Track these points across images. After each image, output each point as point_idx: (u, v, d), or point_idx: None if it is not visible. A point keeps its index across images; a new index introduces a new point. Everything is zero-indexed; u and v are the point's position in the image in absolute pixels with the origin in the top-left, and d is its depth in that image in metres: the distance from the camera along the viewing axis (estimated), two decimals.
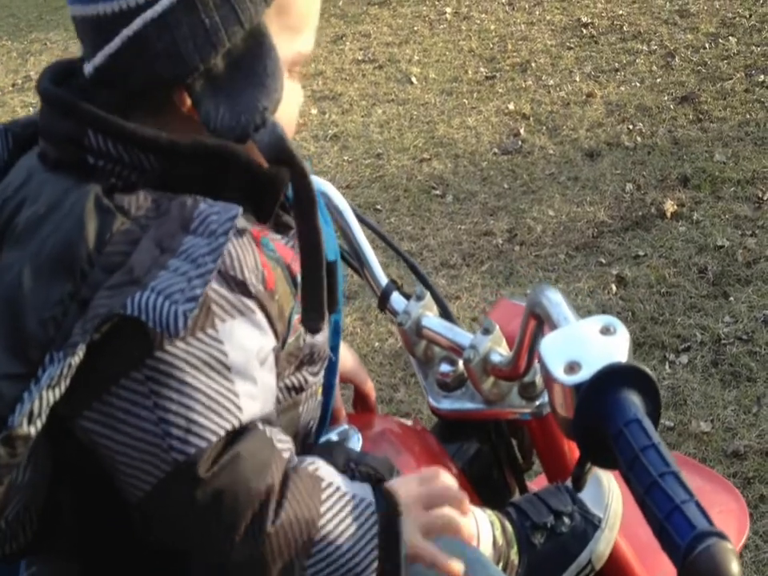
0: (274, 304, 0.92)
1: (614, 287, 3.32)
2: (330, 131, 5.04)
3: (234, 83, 0.88)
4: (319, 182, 1.37)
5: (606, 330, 0.94)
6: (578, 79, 5.05)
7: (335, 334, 1.14)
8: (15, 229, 0.85)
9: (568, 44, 5.51)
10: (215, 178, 0.88)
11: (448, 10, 6.43)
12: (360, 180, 4.48)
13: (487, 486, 1.33)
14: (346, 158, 4.73)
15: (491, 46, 5.72)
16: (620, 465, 0.85)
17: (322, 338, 1.06)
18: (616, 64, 5.15)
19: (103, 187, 0.84)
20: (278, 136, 0.89)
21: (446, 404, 1.33)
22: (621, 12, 5.78)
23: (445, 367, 1.34)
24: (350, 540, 0.91)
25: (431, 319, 1.33)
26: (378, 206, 4.20)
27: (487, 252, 3.70)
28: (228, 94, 0.88)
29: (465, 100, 5.08)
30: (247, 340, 0.87)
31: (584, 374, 0.89)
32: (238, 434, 0.86)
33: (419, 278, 1.38)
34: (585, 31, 5.62)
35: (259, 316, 0.89)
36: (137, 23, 0.86)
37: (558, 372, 0.91)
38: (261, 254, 0.91)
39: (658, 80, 4.87)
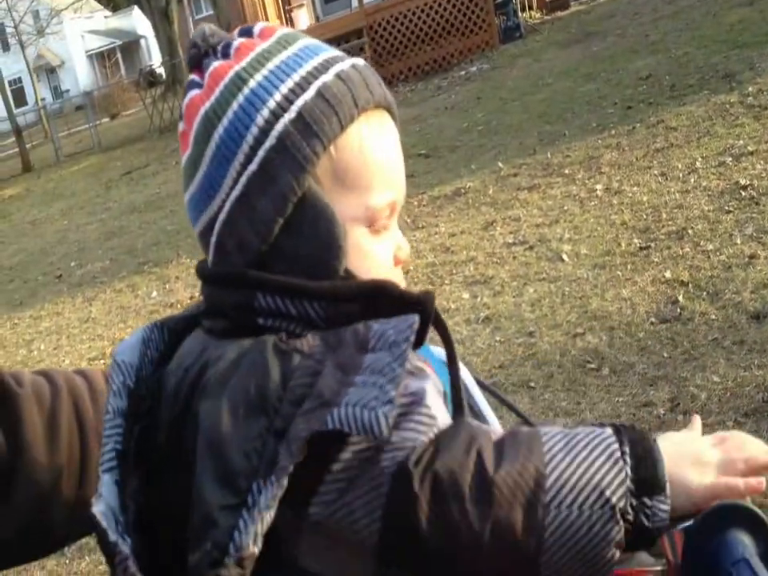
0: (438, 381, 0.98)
1: None
2: (481, 314, 4.99)
3: (301, 250, 0.96)
4: (442, 353, 1.40)
5: None
6: (739, 242, 4.82)
7: None
8: (206, 386, 0.93)
9: (726, 208, 5.32)
10: (372, 311, 0.94)
11: (599, 186, 6.40)
12: (513, 359, 4.36)
13: None
14: (498, 338, 4.64)
15: (645, 216, 5.61)
16: None
17: None
18: None
19: (277, 337, 0.92)
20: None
21: None
22: None
23: None
24: (584, 463, 0.86)
25: None
26: (532, 384, 4.05)
27: (648, 423, 3.45)
28: (298, 262, 0.96)
29: (618, 272, 4.93)
30: (428, 387, 0.92)
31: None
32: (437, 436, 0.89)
33: None
34: (744, 193, 5.43)
35: (431, 375, 0.94)
36: (216, 229, 0.98)
37: None
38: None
39: None
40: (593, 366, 4.04)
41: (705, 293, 4.39)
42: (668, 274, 4.69)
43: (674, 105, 7.97)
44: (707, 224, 5.20)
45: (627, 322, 4.34)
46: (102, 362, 6.21)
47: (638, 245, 5.23)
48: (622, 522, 0.84)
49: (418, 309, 0.95)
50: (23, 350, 7.40)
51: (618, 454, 0.86)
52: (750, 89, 7.53)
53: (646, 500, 0.85)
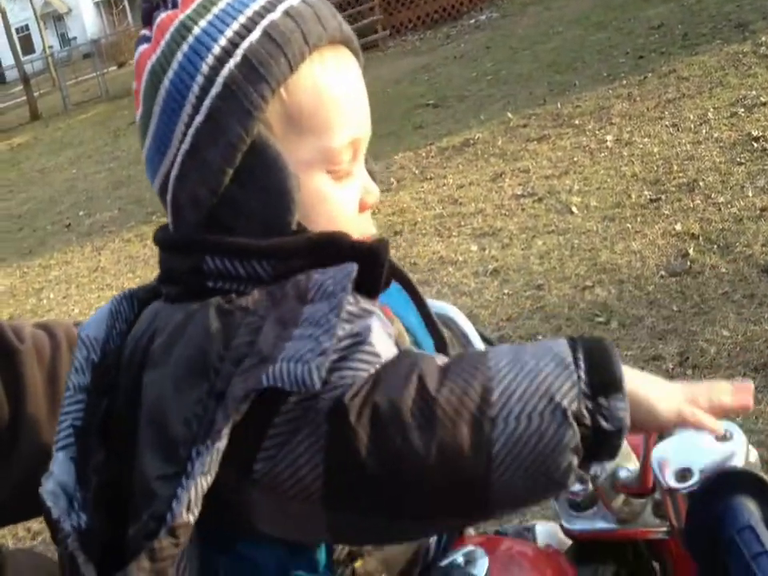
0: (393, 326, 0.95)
1: None
2: (489, 266, 4.98)
3: (252, 202, 0.92)
4: (445, 307, 1.43)
5: (722, 436, 0.94)
6: (750, 194, 4.77)
7: None
8: (153, 355, 0.91)
9: (738, 159, 5.27)
10: (323, 265, 0.90)
11: (609, 137, 6.34)
12: (521, 312, 4.35)
13: None
14: (506, 291, 4.63)
15: (655, 168, 5.55)
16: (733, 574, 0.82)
17: None
18: None
19: (223, 298, 0.89)
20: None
21: (579, 525, 1.26)
22: None
23: (575, 486, 1.25)
24: (532, 372, 0.82)
25: None
26: (540, 337, 4.04)
27: None
28: (251, 216, 0.93)
29: (628, 225, 4.90)
30: (373, 325, 0.88)
31: (696, 481, 0.91)
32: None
33: None
34: (756, 145, 5.37)
35: (378, 314, 0.90)
36: (170, 186, 0.95)
37: (670, 479, 0.93)
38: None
39: None
40: (601, 319, 4.03)
41: (715, 246, 4.36)
42: (678, 227, 4.66)
43: (686, 54, 7.85)
44: (718, 176, 5.14)
45: (636, 275, 4.32)
46: None
47: (649, 197, 5.18)
48: (576, 426, 0.80)
49: (369, 259, 0.91)
50: (33, 298, 7.43)
51: (570, 359, 0.82)
52: (763, 38, 7.41)
53: (602, 400, 0.81)
